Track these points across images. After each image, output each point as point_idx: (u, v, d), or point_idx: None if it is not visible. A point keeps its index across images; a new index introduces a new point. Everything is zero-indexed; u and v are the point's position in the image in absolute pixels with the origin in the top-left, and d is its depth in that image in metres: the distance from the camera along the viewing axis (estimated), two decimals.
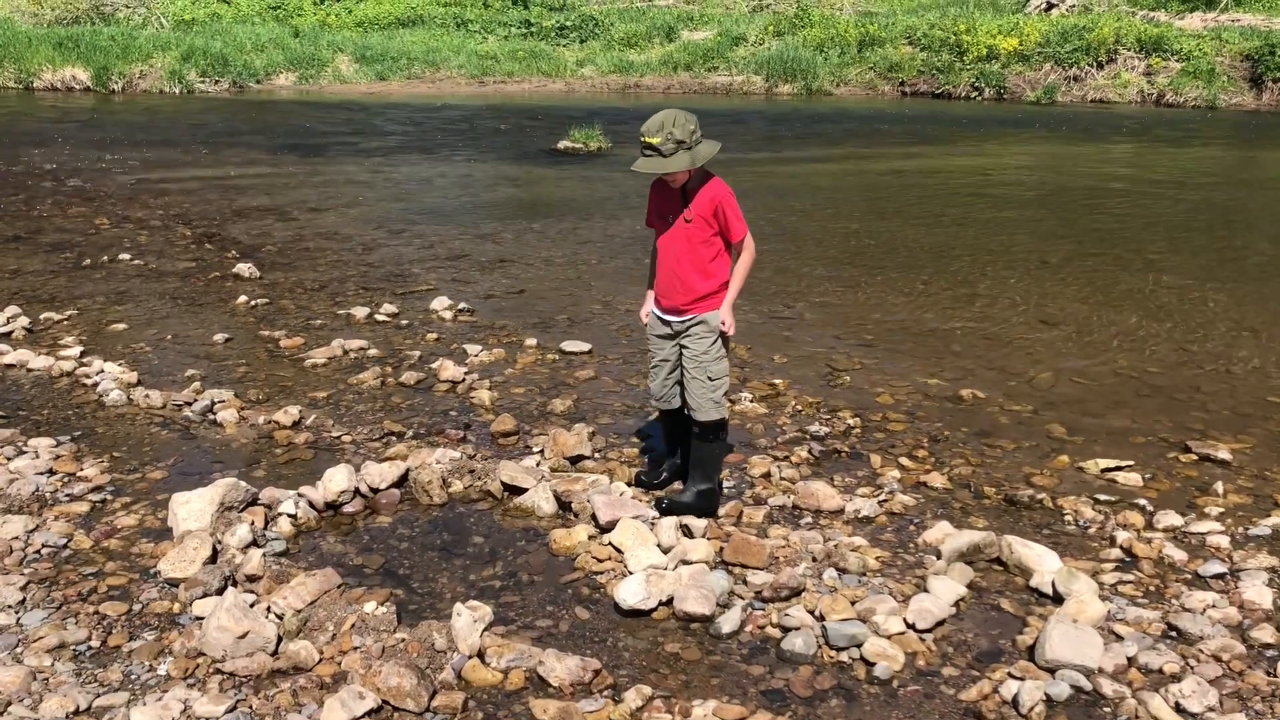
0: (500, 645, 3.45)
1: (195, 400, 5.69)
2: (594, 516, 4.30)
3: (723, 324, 4.28)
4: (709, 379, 4.31)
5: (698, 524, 4.27)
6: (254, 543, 4.11)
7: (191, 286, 8.21)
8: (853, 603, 3.72)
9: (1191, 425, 5.53)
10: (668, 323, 4.36)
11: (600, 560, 4.05)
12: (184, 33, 28.73)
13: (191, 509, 4.20)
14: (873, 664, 3.42)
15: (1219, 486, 4.77)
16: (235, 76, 26.22)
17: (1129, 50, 25.68)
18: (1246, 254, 9.64)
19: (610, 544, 4.11)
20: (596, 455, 5.05)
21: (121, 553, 4.15)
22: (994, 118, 21.63)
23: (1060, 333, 7.14)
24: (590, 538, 4.21)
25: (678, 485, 4.62)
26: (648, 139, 4.03)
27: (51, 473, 4.83)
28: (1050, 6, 29.82)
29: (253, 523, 4.20)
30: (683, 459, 4.65)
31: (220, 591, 3.74)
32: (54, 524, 4.33)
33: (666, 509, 4.36)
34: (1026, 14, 29.00)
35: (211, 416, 5.55)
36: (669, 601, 3.74)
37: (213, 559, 3.96)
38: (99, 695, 3.25)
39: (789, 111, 22.71)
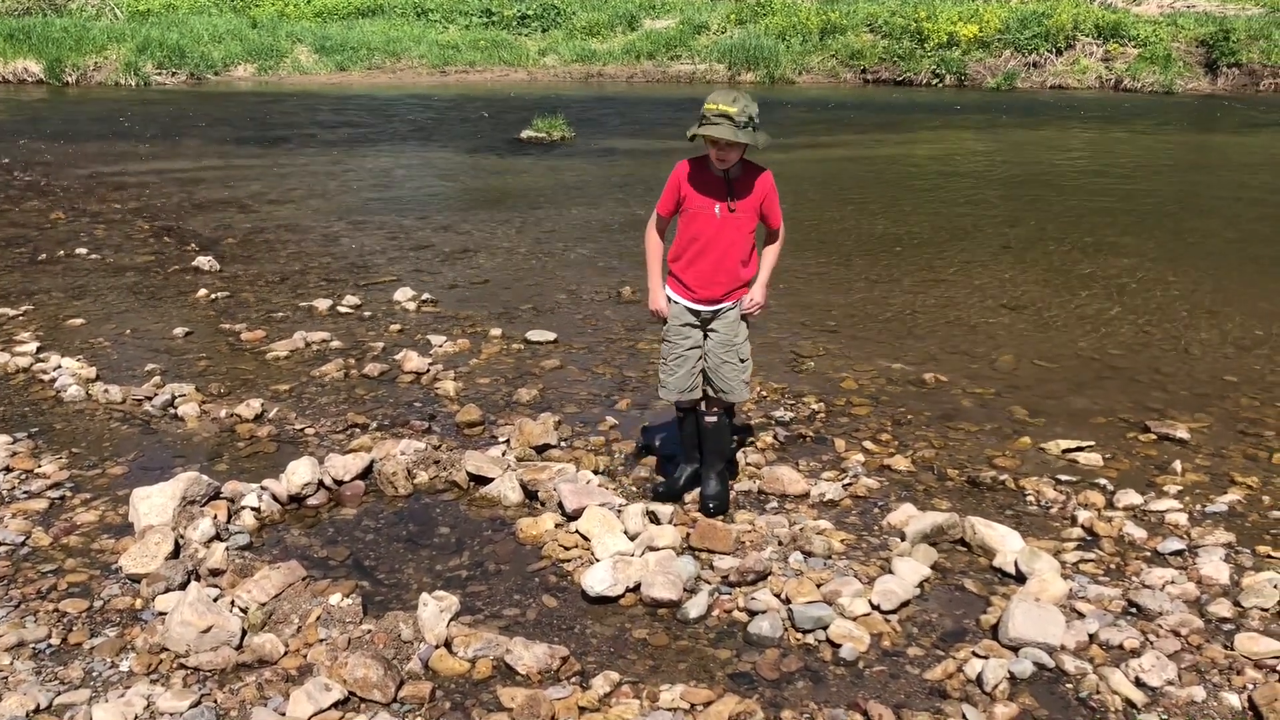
0: (467, 635, 3.44)
1: (156, 395, 5.62)
2: (560, 505, 4.30)
3: (754, 302, 4.26)
4: (740, 360, 4.31)
5: (664, 510, 4.28)
6: (217, 536, 4.07)
7: (151, 280, 8.11)
8: (818, 585, 3.74)
9: (1151, 405, 5.60)
10: (697, 312, 4.26)
11: (567, 548, 4.05)
12: (139, 24, 28.33)
13: (153, 504, 4.15)
14: (838, 645, 3.45)
15: (1177, 465, 4.84)
16: (192, 68, 25.89)
17: (1087, 36, 25.96)
18: (1203, 237, 9.77)
19: (577, 532, 4.11)
20: (563, 444, 5.05)
21: (81, 549, 4.10)
22: (955, 104, 21.76)
23: (1022, 316, 7.21)
24: (557, 526, 4.20)
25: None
26: (723, 106, 3.91)
27: (8, 470, 4.75)
28: None
29: (215, 516, 4.16)
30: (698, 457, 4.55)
31: (183, 586, 3.71)
32: (11, 522, 4.26)
33: (715, 510, 4.31)
34: (986, 1, 29.17)
35: (172, 411, 5.49)
36: (636, 588, 3.74)
37: (175, 554, 3.92)
38: (60, 693, 3.21)
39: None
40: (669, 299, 4.30)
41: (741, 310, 4.27)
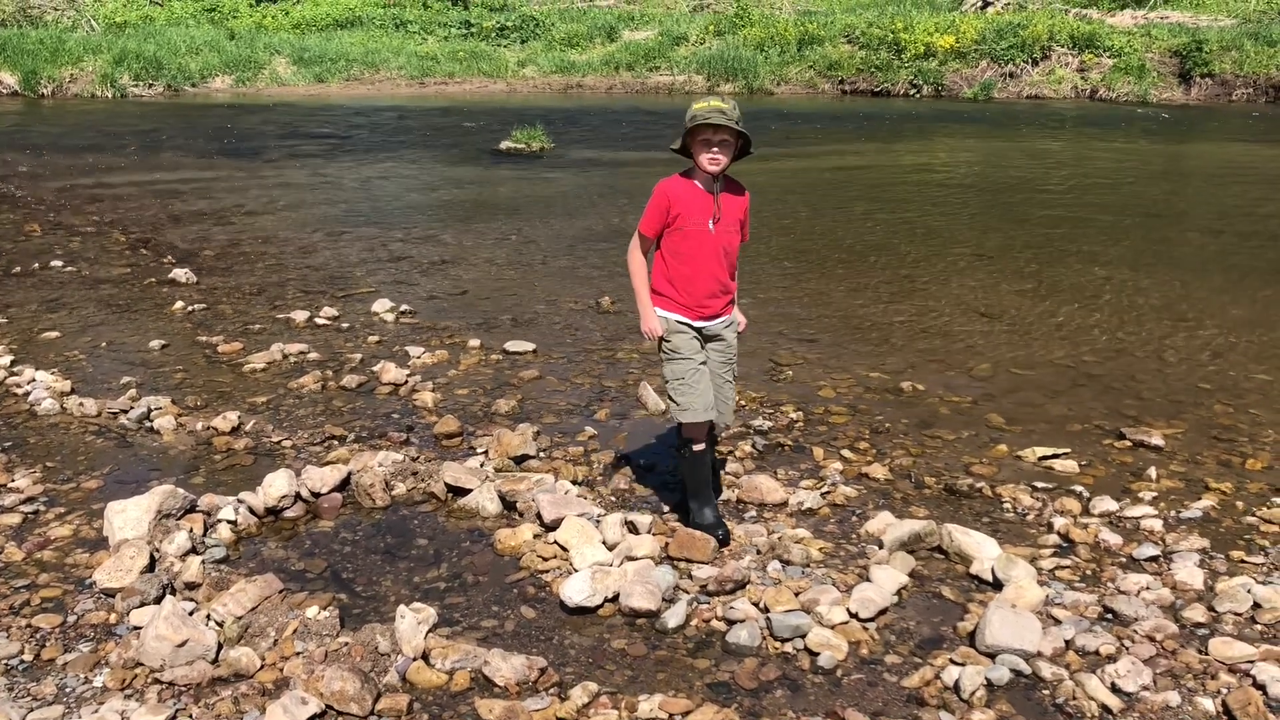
0: (445, 646, 3.42)
1: (131, 407, 5.58)
2: (539, 515, 4.29)
3: (745, 322, 4.38)
4: (734, 378, 4.33)
5: (643, 520, 4.27)
6: (193, 550, 4.04)
7: (127, 293, 8.06)
8: (796, 594, 3.74)
9: (1126, 412, 5.64)
10: (699, 329, 4.15)
11: (545, 559, 4.04)
12: (116, 35, 28.20)
13: (128, 517, 4.12)
14: (816, 654, 3.45)
15: (1152, 471, 4.87)
16: (170, 80, 25.78)
17: (1063, 47, 26.19)
18: (1178, 245, 9.86)
19: (555, 542, 4.10)
20: (541, 455, 5.04)
21: (55, 564, 4.06)
22: (932, 115, 21.90)
23: (998, 324, 7.25)
24: (535, 537, 4.19)
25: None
26: (714, 103, 3.96)
27: None
28: (986, 4, 30.27)
29: (191, 530, 4.14)
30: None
31: (158, 600, 3.68)
32: None
33: (724, 538, 4.13)
34: (963, 12, 29.42)
35: (148, 424, 5.45)
36: (615, 598, 3.73)
37: (150, 567, 3.89)
38: (33, 710, 3.17)
39: None
40: (666, 319, 4.10)
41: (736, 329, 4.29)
